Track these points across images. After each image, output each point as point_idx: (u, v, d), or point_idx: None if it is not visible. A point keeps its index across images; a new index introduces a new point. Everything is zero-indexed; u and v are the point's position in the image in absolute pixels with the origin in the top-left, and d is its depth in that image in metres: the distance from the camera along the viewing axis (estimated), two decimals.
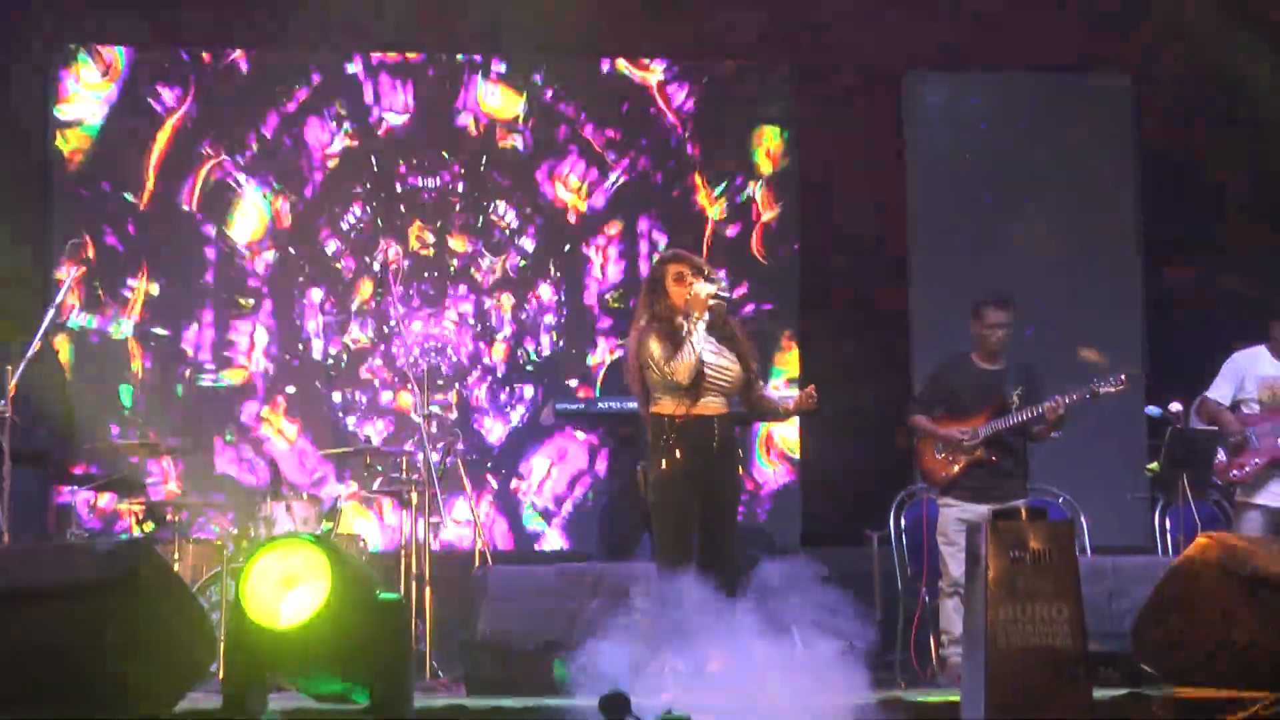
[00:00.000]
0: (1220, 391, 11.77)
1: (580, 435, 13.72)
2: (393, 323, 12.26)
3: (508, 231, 14.68)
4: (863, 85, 14.93)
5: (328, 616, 5.48)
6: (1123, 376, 12.25)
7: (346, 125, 14.57)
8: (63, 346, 12.96)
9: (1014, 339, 11.71)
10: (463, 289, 14.59)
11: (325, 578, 5.50)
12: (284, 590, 5.49)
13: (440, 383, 14.13)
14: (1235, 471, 11.64)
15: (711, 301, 9.54)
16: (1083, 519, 13.47)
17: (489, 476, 14.15)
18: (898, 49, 14.83)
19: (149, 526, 11.49)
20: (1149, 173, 15.25)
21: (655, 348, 9.54)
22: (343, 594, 5.49)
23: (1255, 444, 11.57)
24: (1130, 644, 9.39)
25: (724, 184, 14.96)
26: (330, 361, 14.26)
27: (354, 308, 14.36)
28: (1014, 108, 15.43)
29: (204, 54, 14.47)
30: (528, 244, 14.73)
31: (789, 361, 14.53)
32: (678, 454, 9.47)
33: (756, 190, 14.99)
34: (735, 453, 9.78)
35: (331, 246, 14.42)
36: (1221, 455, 11.77)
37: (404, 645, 5.67)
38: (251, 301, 14.30)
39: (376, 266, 13.94)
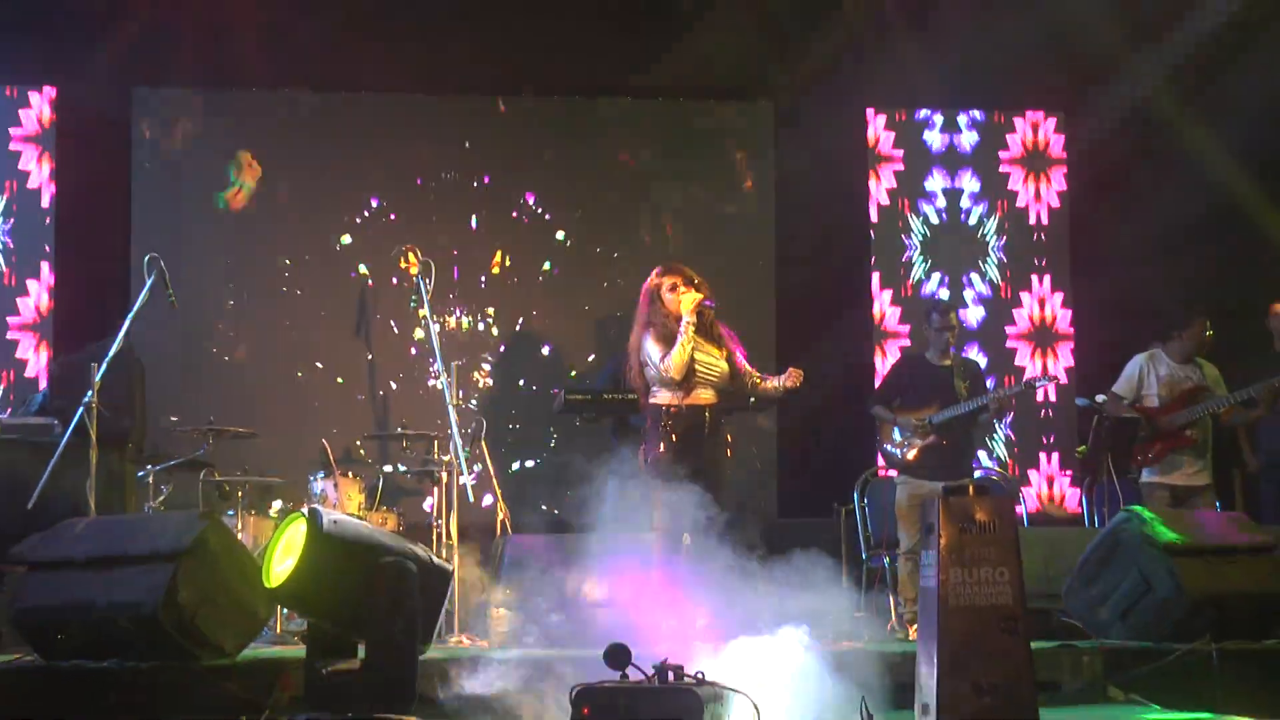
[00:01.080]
0: (1125, 388, 11.86)
1: (586, 421, 13.63)
2: (424, 322, 12.21)
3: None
4: (831, 119, 14.94)
5: (297, 579, 5.49)
6: (1055, 373, 12.41)
7: None
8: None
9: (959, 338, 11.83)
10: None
11: (299, 546, 5.52)
12: (284, 557, 5.52)
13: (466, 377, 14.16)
14: (1142, 456, 11.70)
15: (699, 308, 9.61)
16: (1021, 494, 13.51)
17: (508, 457, 14.12)
18: (862, 89, 14.90)
19: (216, 501, 11.52)
20: (1076, 195, 15.25)
21: (652, 348, 9.65)
22: (315, 560, 5.50)
23: (1158, 432, 11.63)
24: (1062, 602, 9.44)
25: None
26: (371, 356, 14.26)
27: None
28: (955, 140, 15.40)
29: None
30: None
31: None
32: (673, 438, 9.55)
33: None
34: (724, 436, 9.84)
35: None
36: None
37: (398, 602, 5.64)
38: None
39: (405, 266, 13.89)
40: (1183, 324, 11.81)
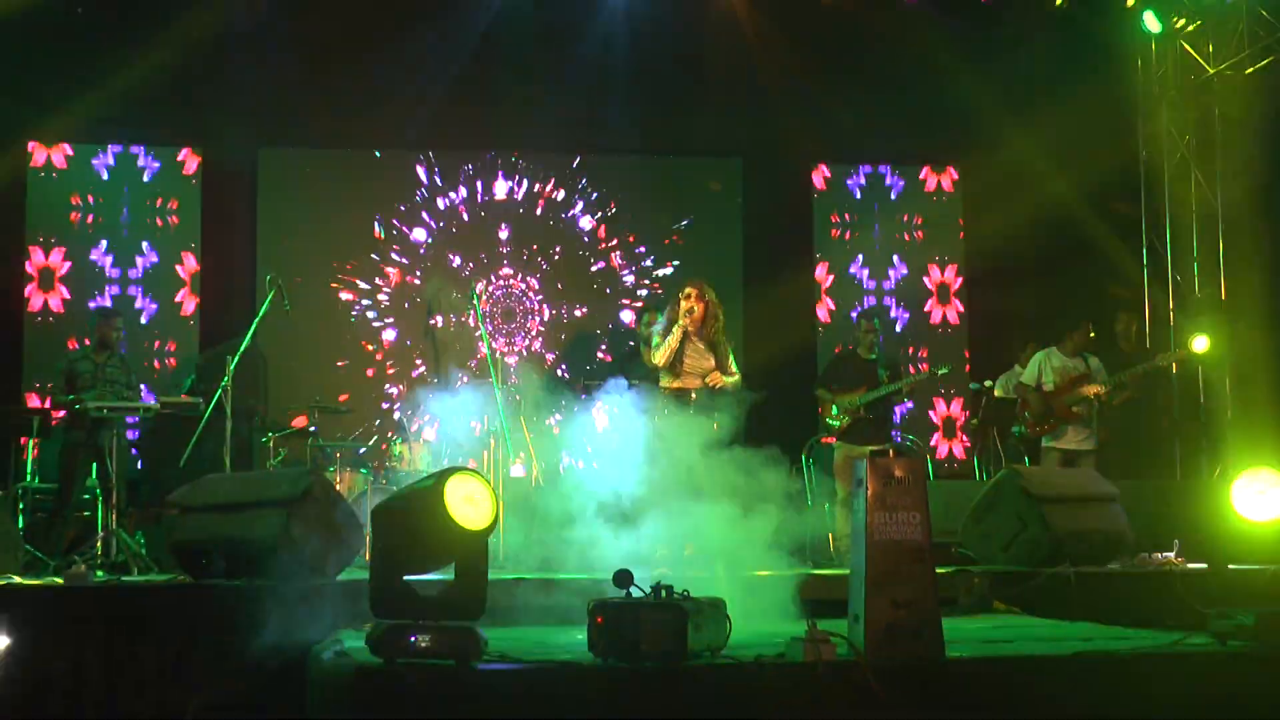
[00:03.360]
0: (1028, 377, 11.95)
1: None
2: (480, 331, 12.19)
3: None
4: (787, 170, 15.00)
5: (490, 525, 5.45)
6: (952, 365, 12.52)
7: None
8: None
9: (880, 338, 11.95)
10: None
11: (493, 501, 5.45)
12: (467, 504, 5.41)
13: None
14: (1040, 428, 11.77)
15: (683, 319, 9.64)
16: (928, 456, 13.51)
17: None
18: (808, 147, 14.93)
19: (320, 461, 11.54)
20: (972, 231, 15.28)
21: (656, 339, 9.77)
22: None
23: (1052, 410, 11.68)
24: (959, 538, 9.46)
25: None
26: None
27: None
28: (876, 189, 15.44)
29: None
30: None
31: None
32: (665, 411, 9.55)
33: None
34: (709, 413, 9.70)
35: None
36: (1029, 418, 11.89)
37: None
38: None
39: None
40: (1072, 326, 11.94)
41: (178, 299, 14.04)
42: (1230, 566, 8.69)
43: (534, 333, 14.53)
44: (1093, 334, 12.02)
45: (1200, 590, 8.16)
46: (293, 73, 13.49)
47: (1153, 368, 12.10)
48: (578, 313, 14.66)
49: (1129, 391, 12.05)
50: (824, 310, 15.12)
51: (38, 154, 13.92)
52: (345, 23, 13.44)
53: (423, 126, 14.11)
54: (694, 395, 9.73)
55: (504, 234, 14.62)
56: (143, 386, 11.89)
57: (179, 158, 14.17)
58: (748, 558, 7.80)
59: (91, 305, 13.44)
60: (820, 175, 15.34)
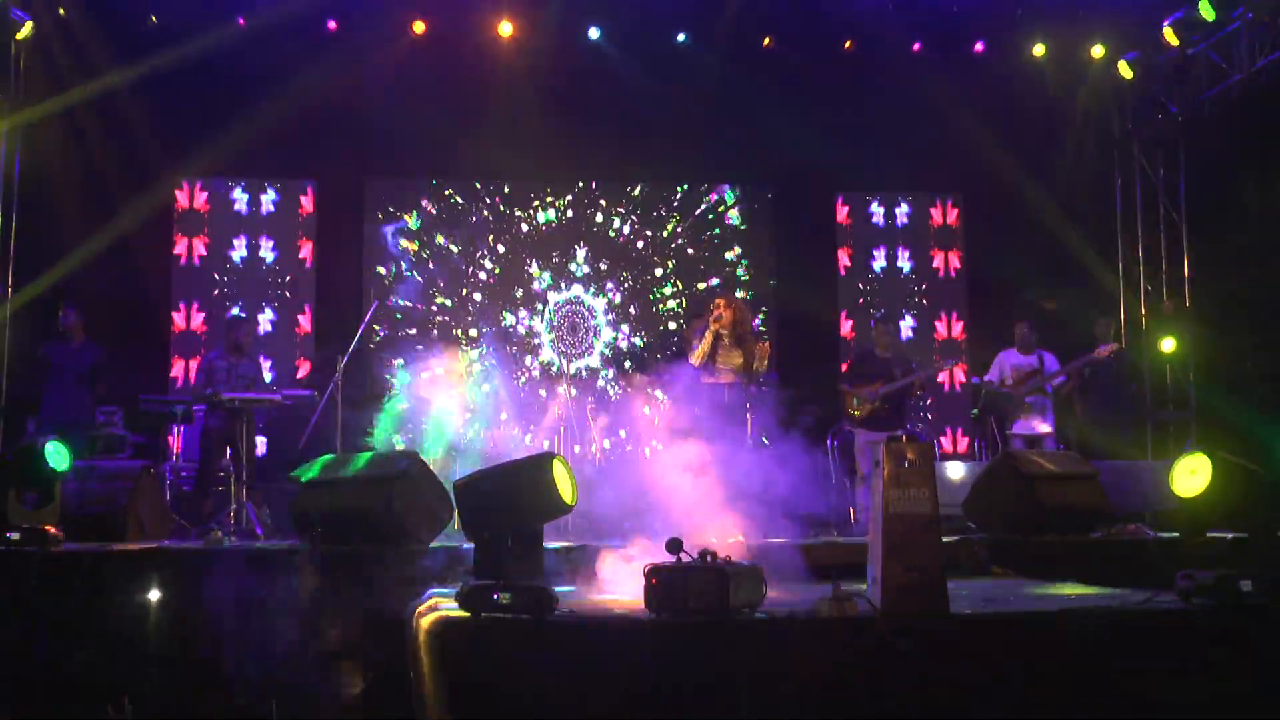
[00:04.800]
0: (991, 376, 12.13)
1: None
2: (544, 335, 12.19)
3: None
4: (811, 199, 14.94)
5: (574, 502, 5.47)
6: (956, 362, 12.54)
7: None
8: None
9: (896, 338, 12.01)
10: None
11: (573, 484, 5.45)
12: (563, 483, 5.40)
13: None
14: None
15: (712, 325, 9.62)
16: (936, 441, 13.40)
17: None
18: (829, 176, 14.82)
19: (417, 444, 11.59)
20: (973, 250, 15.15)
21: (696, 344, 9.74)
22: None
23: (1010, 401, 11.88)
24: (961, 511, 9.40)
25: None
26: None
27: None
28: (891, 213, 15.31)
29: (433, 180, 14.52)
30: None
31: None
32: (704, 402, 9.52)
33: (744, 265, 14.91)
34: (742, 404, 9.74)
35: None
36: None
37: None
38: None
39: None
40: (1013, 328, 12.16)
41: (299, 312, 14.12)
42: (1208, 535, 8.61)
43: (594, 349, 14.44)
44: (1034, 336, 12.09)
45: (1171, 555, 8.11)
46: (405, 112, 13.41)
47: (1092, 361, 12.01)
48: (637, 340, 14.52)
49: (1073, 383, 12.09)
50: (844, 312, 14.97)
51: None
52: (463, 68, 13.63)
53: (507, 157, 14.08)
54: (726, 389, 9.72)
55: (581, 253, 14.55)
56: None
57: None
58: (778, 527, 7.77)
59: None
60: (841, 200, 15.19)
